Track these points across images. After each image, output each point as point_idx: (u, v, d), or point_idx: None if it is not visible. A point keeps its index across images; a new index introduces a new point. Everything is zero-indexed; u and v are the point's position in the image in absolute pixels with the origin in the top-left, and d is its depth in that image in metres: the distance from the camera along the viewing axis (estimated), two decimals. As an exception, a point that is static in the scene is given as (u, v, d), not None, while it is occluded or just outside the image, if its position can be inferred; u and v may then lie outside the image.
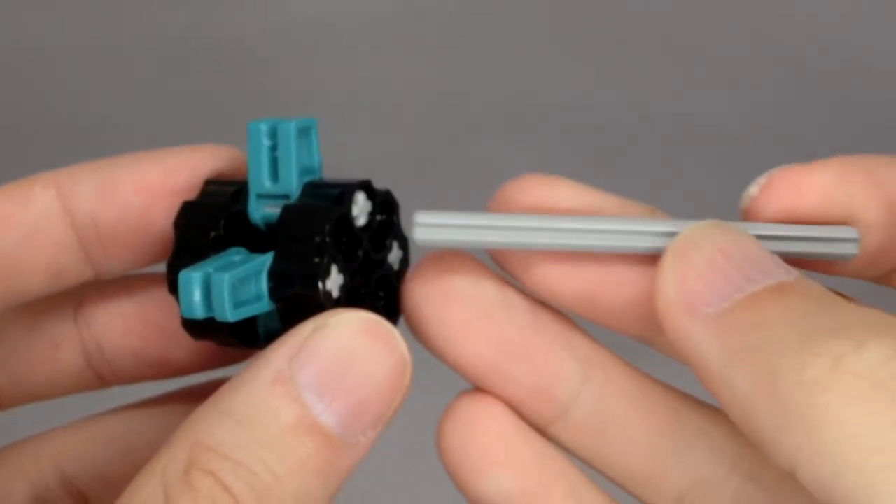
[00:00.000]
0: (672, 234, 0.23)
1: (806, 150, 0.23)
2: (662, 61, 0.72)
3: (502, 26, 0.72)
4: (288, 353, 0.23)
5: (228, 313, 0.23)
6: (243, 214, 0.25)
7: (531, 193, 0.25)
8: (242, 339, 0.26)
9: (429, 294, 0.25)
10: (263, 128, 0.25)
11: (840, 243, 0.24)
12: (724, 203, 0.72)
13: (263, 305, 0.24)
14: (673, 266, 0.23)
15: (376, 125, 0.72)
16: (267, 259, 0.24)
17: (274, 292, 0.24)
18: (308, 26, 0.73)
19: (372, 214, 0.25)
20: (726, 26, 0.72)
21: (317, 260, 0.24)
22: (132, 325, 0.29)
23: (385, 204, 0.26)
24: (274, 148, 0.25)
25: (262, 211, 0.25)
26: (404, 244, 0.27)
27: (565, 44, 0.72)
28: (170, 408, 0.31)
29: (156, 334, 0.29)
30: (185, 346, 0.29)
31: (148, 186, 0.26)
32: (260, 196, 0.25)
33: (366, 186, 0.25)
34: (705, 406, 0.26)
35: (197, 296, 0.23)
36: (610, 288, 0.25)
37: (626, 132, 0.71)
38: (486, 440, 0.26)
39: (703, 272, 0.22)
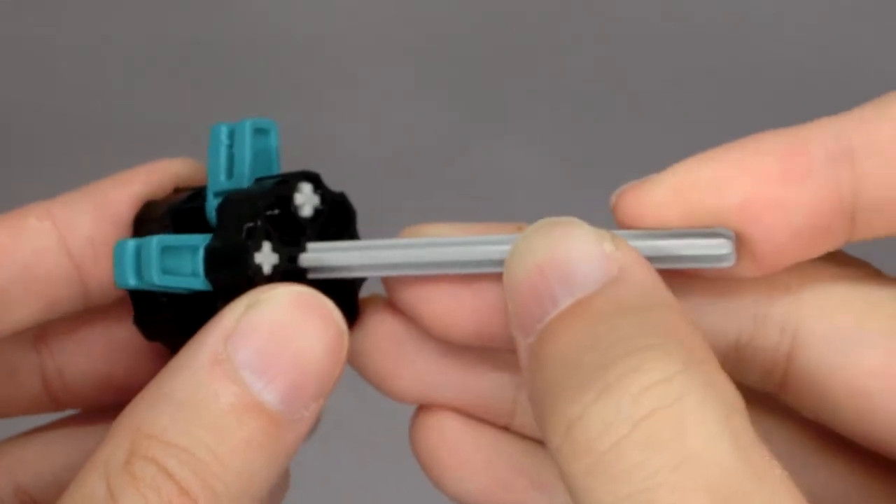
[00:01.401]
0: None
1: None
2: (663, 60, 0.71)
3: (503, 26, 0.72)
4: (223, 332, 0.23)
5: (155, 276, 0.23)
6: (200, 212, 0.26)
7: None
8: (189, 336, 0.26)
9: (365, 344, 0.26)
10: (224, 129, 0.25)
11: (713, 248, 0.22)
12: None
13: (199, 283, 0.24)
14: (505, 283, 0.22)
15: (376, 124, 0.72)
16: (205, 238, 0.24)
17: (208, 269, 0.24)
18: (307, 27, 0.73)
19: (321, 209, 0.25)
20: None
21: (248, 227, 0.24)
22: (98, 347, 0.28)
23: (339, 206, 0.26)
24: (231, 146, 0.25)
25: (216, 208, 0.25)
26: None
27: (566, 43, 0.72)
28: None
29: (123, 356, 0.28)
30: (149, 366, 0.28)
31: (138, 201, 0.26)
32: (216, 194, 0.25)
33: (312, 178, 0.25)
34: None
35: (130, 262, 0.24)
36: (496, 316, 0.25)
37: (625, 130, 0.71)
38: (444, 447, 0.26)
39: (520, 294, 0.21)
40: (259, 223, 0.24)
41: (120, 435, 0.22)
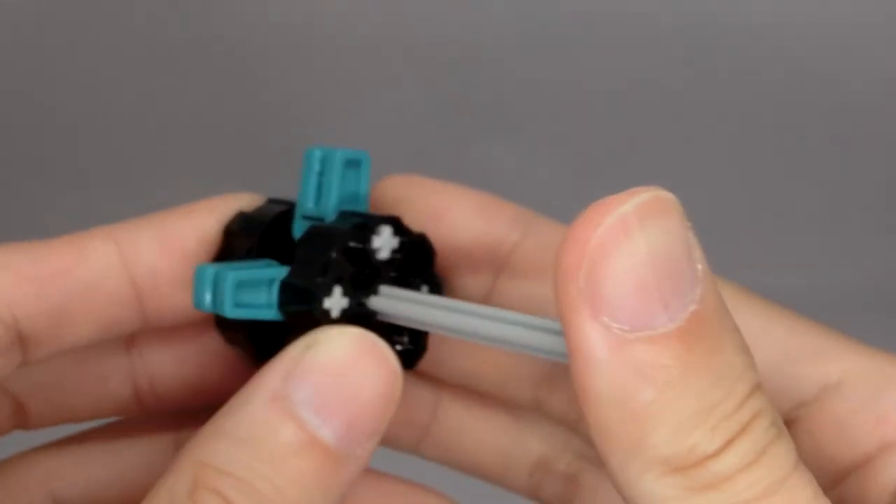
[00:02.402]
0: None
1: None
2: (663, 61, 0.72)
3: (503, 25, 0.72)
4: (282, 371, 0.24)
5: (227, 309, 0.25)
6: (288, 229, 0.27)
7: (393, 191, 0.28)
8: (261, 350, 0.27)
9: None
10: (317, 153, 0.27)
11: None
12: (727, 209, 0.73)
13: (272, 314, 0.26)
14: (593, 254, 0.20)
15: (377, 122, 0.72)
16: (283, 271, 0.26)
17: (282, 304, 0.26)
18: (307, 27, 0.73)
19: (399, 252, 0.26)
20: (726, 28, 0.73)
21: (319, 279, 0.25)
22: (190, 353, 0.29)
23: (417, 246, 0.27)
24: (321, 174, 0.26)
25: (302, 230, 0.27)
26: (437, 290, 0.27)
27: (566, 43, 0.72)
28: (161, 434, 0.31)
29: (214, 363, 0.29)
30: (242, 373, 0.28)
31: (204, 237, 0.27)
32: (304, 217, 0.27)
33: (394, 222, 0.26)
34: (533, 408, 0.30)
35: (207, 289, 0.25)
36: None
37: (625, 128, 0.72)
38: None
39: (623, 280, 0.20)
40: (331, 268, 0.25)
41: (184, 467, 0.23)
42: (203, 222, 0.27)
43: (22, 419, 0.29)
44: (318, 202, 0.27)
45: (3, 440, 0.29)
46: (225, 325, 0.28)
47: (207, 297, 0.25)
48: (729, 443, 0.20)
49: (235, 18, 0.72)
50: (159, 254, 0.27)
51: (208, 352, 0.29)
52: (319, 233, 0.26)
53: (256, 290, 0.25)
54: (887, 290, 0.69)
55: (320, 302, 0.25)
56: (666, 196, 0.20)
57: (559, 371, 0.29)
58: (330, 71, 0.73)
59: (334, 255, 0.25)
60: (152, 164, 0.74)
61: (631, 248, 0.19)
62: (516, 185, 0.73)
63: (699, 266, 0.20)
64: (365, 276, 0.26)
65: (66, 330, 0.26)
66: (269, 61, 0.72)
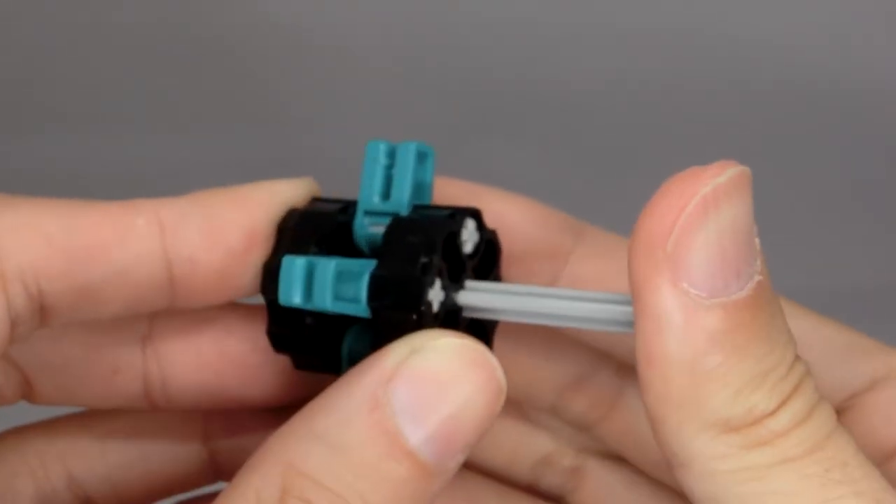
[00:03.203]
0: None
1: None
2: (664, 62, 0.72)
3: (503, 25, 0.72)
4: (383, 375, 0.22)
5: (329, 301, 0.23)
6: (347, 230, 0.25)
7: None
8: (325, 358, 0.25)
9: None
10: (383, 146, 0.25)
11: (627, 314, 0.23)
12: None
13: (360, 309, 0.24)
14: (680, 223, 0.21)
15: (377, 122, 0.71)
16: (370, 263, 0.24)
17: (374, 297, 0.24)
18: (305, 26, 0.72)
19: (478, 246, 0.25)
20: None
21: (424, 262, 0.23)
22: (208, 359, 0.28)
23: (490, 244, 0.26)
24: (389, 167, 0.25)
25: (366, 229, 0.25)
26: None
27: (566, 43, 0.72)
28: (184, 416, 0.30)
29: (233, 369, 0.28)
30: (262, 380, 0.28)
31: (252, 232, 0.25)
32: (367, 213, 0.25)
33: (476, 215, 0.25)
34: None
35: (298, 280, 0.23)
36: None
37: (627, 128, 0.72)
38: None
39: (706, 250, 0.21)
40: (434, 258, 0.24)
41: (271, 467, 0.22)
42: (252, 215, 0.25)
43: (28, 393, 0.28)
44: (385, 196, 0.25)
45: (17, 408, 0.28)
46: (284, 329, 0.25)
47: (298, 291, 0.23)
48: (783, 402, 0.21)
49: (234, 19, 0.71)
50: (202, 245, 0.25)
51: (227, 359, 0.27)
52: (414, 224, 0.24)
53: (348, 284, 0.24)
54: (887, 290, 0.68)
55: (425, 293, 0.23)
56: (746, 171, 0.21)
57: (588, 372, 0.30)
58: (329, 70, 0.72)
59: (437, 247, 0.24)
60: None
61: (717, 220, 0.21)
62: (516, 185, 0.73)
63: (757, 239, 0.21)
64: (452, 271, 0.25)
65: (91, 307, 0.25)
66: (267, 60, 0.72)
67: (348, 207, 0.25)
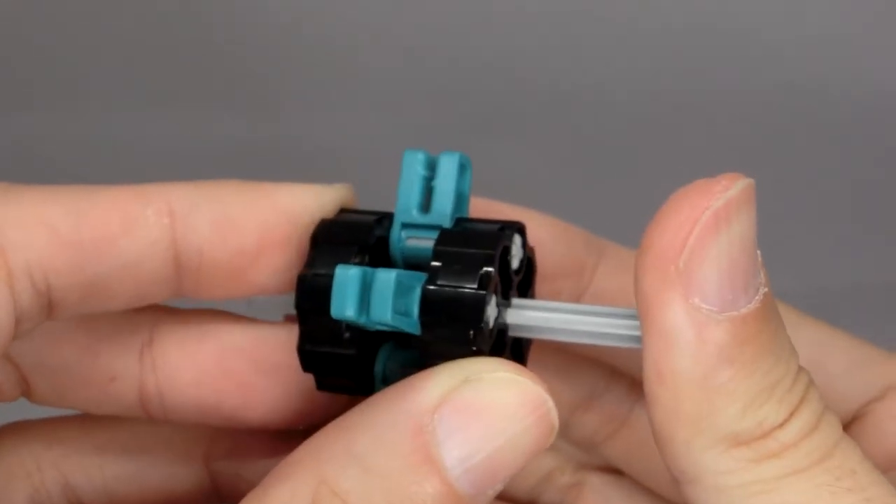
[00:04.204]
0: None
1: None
2: (665, 62, 0.71)
3: (503, 25, 0.71)
4: (431, 402, 0.21)
5: (389, 315, 0.21)
6: (383, 243, 0.24)
7: None
8: (356, 378, 0.24)
9: None
10: (422, 157, 0.24)
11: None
12: None
13: (410, 324, 0.22)
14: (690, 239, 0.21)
15: (376, 122, 0.70)
16: (418, 276, 0.22)
17: (427, 311, 0.22)
18: (306, 26, 0.71)
19: (521, 262, 0.24)
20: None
21: (485, 271, 0.22)
22: (207, 376, 0.26)
23: (529, 261, 0.25)
24: (428, 178, 0.24)
25: (403, 242, 0.24)
26: None
27: (567, 41, 0.71)
28: (187, 434, 0.29)
29: (234, 388, 0.26)
30: (263, 401, 0.27)
31: (266, 233, 0.24)
32: (405, 225, 0.24)
33: (522, 231, 0.24)
34: None
35: (353, 292, 0.21)
36: None
37: (629, 129, 0.71)
38: None
39: (717, 265, 0.21)
40: (493, 272, 0.22)
41: (303, 481, 0.21)
42: (268, 216, 0.24)
43: (26, 391, 0.27)
44: (425, 209, 0.24)
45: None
46: (319, 347, 0.24)
47: (352, 304, 0.21)
48: (792, 414, 0.21)
49: (233, 18, 0.70)
50: (212, 238, 0.24)
51: (228, 377, 0.26)
52: (467, 236, 0.23)
53: (401, 297, 0.22)
54: (886, 290, 0.68)
55: (485, 308, 0.22)
56: (752, 184, 0.21)
57: (600, 390, 0.29)
58: (328, 70, 0.71)
59: (495, 261, 0.22)
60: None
61: (728, 235, 0.20)
62: (516, 185, 0.73)
63: (758, 251, 0.21)
64: (503, 286, 0.24)
65: (97, 301, 0.24)
66: (265, 58, 0.71)
67: (383, 218, 0.24)
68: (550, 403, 0.22)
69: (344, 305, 0.21)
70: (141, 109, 0.70)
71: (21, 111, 0.70)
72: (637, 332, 0.22)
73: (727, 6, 0.71)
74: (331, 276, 0.22)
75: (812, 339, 0.27)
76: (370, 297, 0.22)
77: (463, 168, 0.24)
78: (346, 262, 0.23)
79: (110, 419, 0.28)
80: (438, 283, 0.22)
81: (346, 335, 0.23)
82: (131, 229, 0.23)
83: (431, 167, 0.24)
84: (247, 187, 0.25)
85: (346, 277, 0.21)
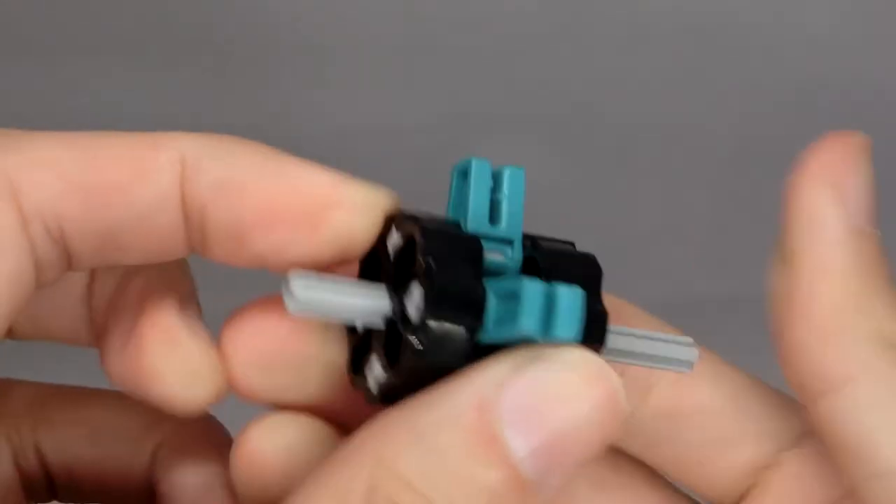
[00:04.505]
0: None
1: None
2: (665, 62, 0.72)
3: (503, 25, 0.72)
4: (496, 379, 0.21)
5: (576, 332, 0.21)
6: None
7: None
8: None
9: None
10: (488, 167, 0.24)
11: (686, 354, 0.24)
12: (727, 209, 0.73)
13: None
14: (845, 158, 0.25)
15: (376, 121, 0.71)
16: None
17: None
18: (304, 22, 0.70)
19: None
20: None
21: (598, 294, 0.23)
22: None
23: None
24: (493, 190, 0.24)
25: None
26: None
27: (567, 40, 0.72)
28: (146, 413, 0.29)
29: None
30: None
31: (268, 207, 0.23)
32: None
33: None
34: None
35: (538, 307, 0.21)
36: None
37: (628, 134, 0.72)
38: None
39: (862, 186, 0.24)
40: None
41: (361, 460, 0.21)
42: (271, 192, 0.23)
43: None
44: (491, 221, 0.24)
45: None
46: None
47: (537, 318, 0.21)
48: None
49: (233, 18, 0.70)
50: (213, 199, 0.23)
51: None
52: (568, 257, 0.24)
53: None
54: None
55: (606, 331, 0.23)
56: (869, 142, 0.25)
57: None
58: (328, 70, 0.71)
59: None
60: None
61: (867, 168, 0.24)
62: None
63: None
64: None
65: (114, 251, 0.24)
66: (263, 58, 0.70)
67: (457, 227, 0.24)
68: (620, 385, 0.21)
69: (532, 319, 0.21)
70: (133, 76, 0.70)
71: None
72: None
73: (727, 4, 0.72)
74: (461, 286, 0.22)
75: (730, 384, 0.27)
76: (554, 313, 0.21)
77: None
78: (470, 278, 0.22)
79: (88, 393, 0.29)
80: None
81: (469, 347, 0.22)
82: (144, 176, 0.23)
83: (495, 178, 0.24)
84: (260, 152, 0.24)
85: (536, 291, 0.21)
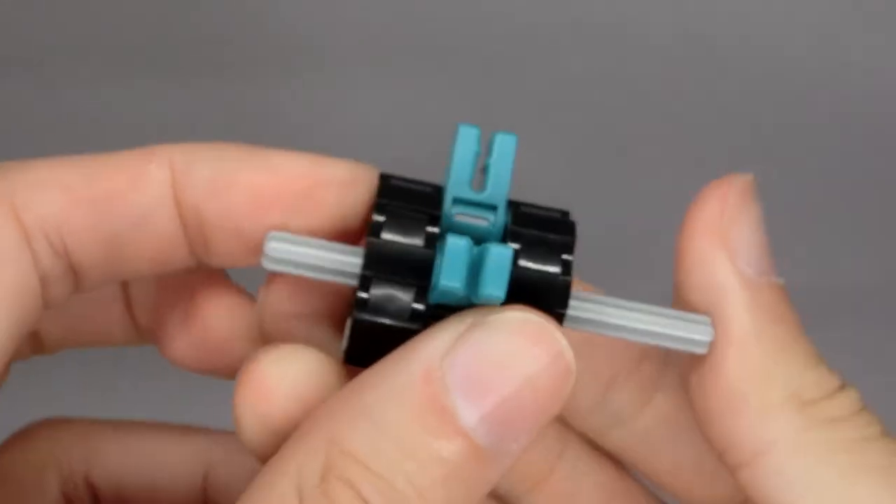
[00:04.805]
0: None
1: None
2: (665, 62, 0.72)
3: (503, 25, 0.71)
4: (440, 349, 0.21)
5: (503, 291, 0.21)
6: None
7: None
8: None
9: None
10: (475, 132, 0.23)
11: (700, 333, 0.23)
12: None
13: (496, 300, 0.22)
14: (724, 208, 0.23)
15: (376, 122, 0.71)
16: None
17: (516, 291, 0.22)
18: (306, 21, 0.70)
19: None
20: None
21: (568, 258, 0.23)
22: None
23: None
24: (478, 155, 0.24)
25: (452, 218, 0.23)
26: None
27: (567, 43, 0.71)
28: (196, 442, 0.30)
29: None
30: None
31: (256, 189, 0.24)
32: (457, 200, 0.23)
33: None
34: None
35: (463, 265, 0.21)
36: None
37: (627, 131, 0.71)
38: None
39: (751, 234, 0.23)
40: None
41: (314, 441, 0.21)
42: (259, 178, 0.24)
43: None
44: (476, 186, 0.24)
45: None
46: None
47: (460, 275, 0.21)
48: (843, 385, 0.23)
49: (232, 19, 0.69)
50: (206, 195, 0.24)
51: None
52: (539, 219, 0.23)
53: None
54: (886, 291, 0.69)
55: (569, 296, 0.22)
56: (752, 179, 0.24)
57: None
58: (327, 69, 0.71)
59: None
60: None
61: (752, 211, 0.23)
62: (516, 185, 0.72)
63: None
64: None
65: (118, 264, 0.24)
66: (263, 57, 0.70)
67: (435, 190, 0.24)
68: (564, 342, 0.21)
69: (454, 276, 0.21)
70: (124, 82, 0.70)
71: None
72: (680, 334, 0.23)
73: (727, 4, 0.72)
74: (406, 245, 0.22)
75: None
76: (482, 271, 0.21)
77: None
78: (418, 232, 0.23)
79: (139, 427, 0.30)
80: (523, 264, 0.22)
81: (418, 308, 0.22)
82: (137, 183, 0.24)
83: (480, 144, 0.24)
84: (244, 148, 0.25)
85: (460, 248, 0.21)
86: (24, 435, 0.29)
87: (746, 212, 0.23)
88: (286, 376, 0.23)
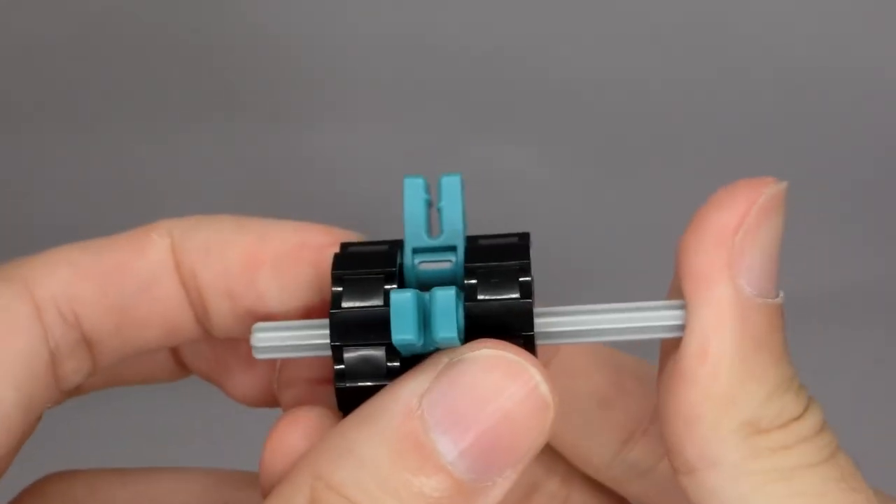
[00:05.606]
0: None
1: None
2: (665, 61, 0.71)
3: (503, 24, 0.71)
4: (419, 388, 0.22)
5: (456, 331, 0.22)
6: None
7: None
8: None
9: None
10: (420, 182, 0.24)
11: (672, 319, 0.23)
12: None
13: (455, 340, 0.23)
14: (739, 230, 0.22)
15: (376, 121, 0.71)
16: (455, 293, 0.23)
17: (474, 326, 0.23)
18: (301, 31, 0.71)
19: None
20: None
21: (526, 279, 0.23)
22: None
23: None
24: (429, 202, 0.24)
25: (417, 268, 0.24)
26: None
27: (567, 43, 0.71)
28: (204, 482, 0.30)
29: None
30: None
31: (248, 253, 0.26)
32: (417, 250, 0.24)
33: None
34: None
35: (412, 316, 0.22)
36: None
37: (626, 130, 0.71)
38: None
39: (763, 255, 0.22)
40: (532, 281, 0.23)
41: (301, 476, 0.22)
42: (251, 240, 0.26)
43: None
44: (431, 232, 0.24)
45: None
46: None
47: (412, 326, 0.22)
48: (806, 409, 0.22)
49: (230, 20, 0.70)
50: (202, 259, 0.26)
51: None
52: (492, 251, 0.24)
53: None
54: (886, 290, 0.68)
55: (532, 315, 0.23)
56: (785, 187, 0.23)
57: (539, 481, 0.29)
58: (327, 69, 0.71)
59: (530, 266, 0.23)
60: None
61: (774, 225, 0.22)
62: (516, 185, 0.73)
63: None
64: None
65: (129, 332, 0.26)
66: (262, 57, 0.71)
67: (395, 245, 0.25)
68: (539, 377, 0.22)
69: (405, 329, 0.22)
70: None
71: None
72: (657, 323, 0.23)
73: (727, 3, 0.72)
74: (365, 308, 0.23)
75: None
76: (431, 317, 0.22)
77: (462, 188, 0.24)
78: (376, 293, 0.23)
79: (147, 472, 0.30)
80: (482, 297, 0.23)
81: (392, 365, 0.23)
82: (141, 251, 0.25)
83: (430, 191, 0.24)
84: (235, 218, 0.26)
85: (405, 301, 0.22)
86: (36, 490, 0.29)
87: (767, 228, 0.22)
88: (301, 438, 0.24)
